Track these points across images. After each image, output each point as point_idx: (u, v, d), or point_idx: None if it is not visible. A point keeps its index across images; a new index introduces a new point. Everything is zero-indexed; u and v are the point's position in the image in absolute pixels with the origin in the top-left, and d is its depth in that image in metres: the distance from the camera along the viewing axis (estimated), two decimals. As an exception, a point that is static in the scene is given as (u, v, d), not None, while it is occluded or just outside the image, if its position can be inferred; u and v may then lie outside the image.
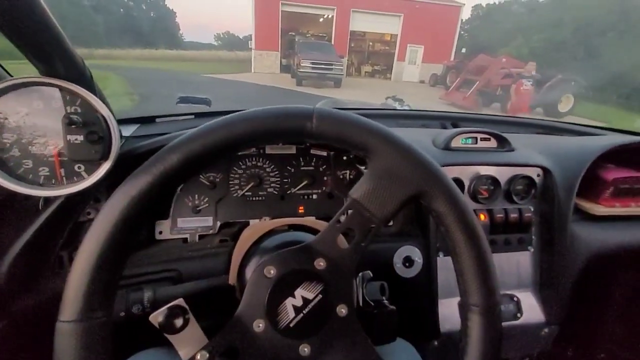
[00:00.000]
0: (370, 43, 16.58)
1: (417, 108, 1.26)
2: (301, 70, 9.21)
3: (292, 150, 0.64)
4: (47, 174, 0.41)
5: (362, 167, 0.67)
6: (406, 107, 2.68)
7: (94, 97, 0.39)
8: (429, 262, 0.58)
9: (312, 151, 0.65)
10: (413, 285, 0.57)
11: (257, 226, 0.45)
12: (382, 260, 0.56)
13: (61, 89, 0.39)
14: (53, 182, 0.41)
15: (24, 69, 0.40)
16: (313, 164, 0.65)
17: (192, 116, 0.74)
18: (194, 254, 0.53)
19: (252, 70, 13.55)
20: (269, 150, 0.62)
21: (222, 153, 0.28)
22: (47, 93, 0.39)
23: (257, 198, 0.62)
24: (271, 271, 0.31)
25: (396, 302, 0.42)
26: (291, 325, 0.30)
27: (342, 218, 0.31)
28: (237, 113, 0.28)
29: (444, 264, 0.59)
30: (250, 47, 13.95)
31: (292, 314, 0.30)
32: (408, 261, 0.57)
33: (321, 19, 15.94)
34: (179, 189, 0.58)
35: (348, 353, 0.31)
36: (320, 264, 0.31)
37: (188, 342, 0.30)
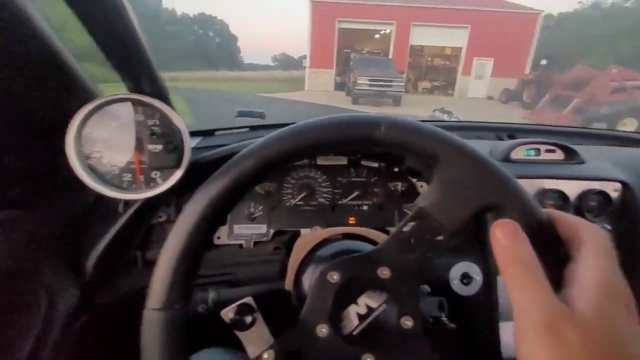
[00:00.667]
0: (429, 58, 16.61)
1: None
2: (358, 87, 9.35)
3: (344, 161, 0.69)
4: (130, 179, 0.49)
5: (414, 180, 0.70)
6: (454, 119, 2.55)
7: (172, 111, 0.47)
8: (489, 281, 0.57)
9: (363, 162, 0.69)
10: (471, 305, 0.56)
11: (312, 234, 0.49)
12: (438, 275, 0.56)
13: (145, 104, 0.48)
14: (134, 186, 0.49)
15: (109, 89, 0.50)
16: (364, 175, 0.69)
17: (247, 129, 0.83)
18: (249, 259, 0.59)
19: (305, 88, 14.30)
20: (320, 160, 0.67)
21: (292, 159, 0.31)
22: (135, 108, 0.48)
23: (308, 207, 0.68)
24: (334, 276, 0.32)
25: (454, 321, 0.42)
26: (354, 333, 0.32)
27: (406, 227, 0.32)
28: (304, 122, 0.31)
29: (503, 285, 0.57)
30: (304, 65, 14.81)
31: (355, 321, 0.32)
32: (466, 278, 0.56)
33: (377, 35, 16.36)
34: None
35: None
36: (384, 272, 0.32)
37: (255, 340, 0.33)
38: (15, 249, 0.45)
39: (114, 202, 0.55)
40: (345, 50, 15.23)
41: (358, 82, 9.28)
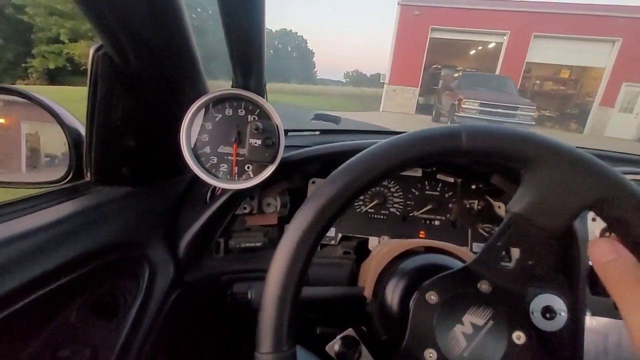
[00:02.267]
0: (537, 82, 15.71)
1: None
2: (463, 114, 8.85)
3: (418, 173, 0.81)
4: (225, 170, 0.66)
5: (492, 199, 0.78)
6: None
7: (272, 108, 0.62)
8: (576, 319, 0.60)
9: (439, 176, 0.80)
10: (554, 342, 0.60)
11: (393, 244, 0.57)
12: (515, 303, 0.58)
13: (249, 100, 0.63)
14: (228, 177, 0.64)
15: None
16: (438, 189, 0.80)
17: (318, 132, 1.00)
18: (319, 260, 0.72)
19: (381, 109, 14.41)
20: None
21: (383, 177, 0.37)
22: (237, 103, 0.64)
23: (378, 216, 0.80)
24: (432, 297, 0.37)
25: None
26: (465, 354, 0.36)
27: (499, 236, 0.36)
28: (388, 140, 0.37)
29: (589, 325, 0.60)
30: (382, 81, 14.90)
31: (463, 342, 0.36)
32: (549, 312, 0.59)
33: (473, 51, 15.91)
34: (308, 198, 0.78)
35: None
36: (483, 287, 0.37)
37: None
38: (128, 222, 0.63)
39: (202, 191, 0.71)
40: (435, 66, 15.19)
41: (464, 105, 8.84)
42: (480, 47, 15.12)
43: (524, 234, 0.34)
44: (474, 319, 0.37)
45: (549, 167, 0.33)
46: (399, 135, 0.36)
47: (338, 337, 0.42)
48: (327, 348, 0.41)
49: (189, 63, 0.58)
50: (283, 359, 0.34)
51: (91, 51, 0.53)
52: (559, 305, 0.59)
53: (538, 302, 0.60)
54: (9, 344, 0.47)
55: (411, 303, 0.40)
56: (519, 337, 0.36)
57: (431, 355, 0.36)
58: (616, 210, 0.32)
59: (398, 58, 14.27)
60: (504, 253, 0.37)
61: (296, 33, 66.64)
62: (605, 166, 0.33)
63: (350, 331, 0.42)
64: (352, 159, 0.37)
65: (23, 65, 18.04)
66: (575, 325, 0.59)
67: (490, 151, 0.35)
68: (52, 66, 17.82)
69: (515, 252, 0.36)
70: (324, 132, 1.02)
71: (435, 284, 0.38)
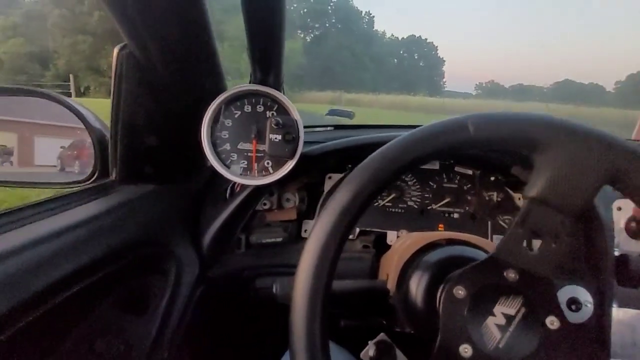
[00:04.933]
0: None
1: None
2: None
3: (436, 165, 0.80)
4: (245, 166, 0.67)
5: (511, 191, 0.78)
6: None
7: (291, 103, 0.63)
8: (602, 311, 0.58)
9: (457, 168, 0.80)
10: (580, 335, 0.57)
11: (416, 237, 0.57)
12: (544, 288, 0.60)
13: (268, 96, 0.64)
14: (248, 173, 0.65)
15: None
16: (457, 181, 0.80)
17: (332, 128, 1.00)
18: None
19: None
20: None
21: (395, 178, 0.37)
22: (255, 99, 0.65)
23: (396, 210, 0.80)
24: (460, 292, 0.37)
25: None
26: (500, 346, 0.35)
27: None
28: (397, 139, 0.36)
29: (617, 317, 0.60)
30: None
31: (497, 334, 0.36)
32: (574, 303, 0.57)
33: None
34: (326, 192, 0.80)
35: None
36: (510, 275, 0.36)
37: None
38: (154, 220, 0.64)
39: (222, 188, 0.72)
40: None
41: None
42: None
43: (544, 218, 0.34)
44: (505, 309, 0.36)
45: (561, 146, 0.32)
46: (410, 132, 0.36)
47: (371, 342, 0.41)
48: (361, 355, 0.41)
49: (210, 60, 0.58)
50: None
51: (115, 50, 0.53)
52: (585, 296, 0.57)
53: (563, 294, 0.58)
54: (49, 338, 0.48)
55: (439, 299, 0.39)
56: (552, 322, 0.36)
57: (466, 350, 0.35)
58: (635, 180, 0.31)
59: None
60: (525, 243, 0.36)
61: (425, 40, 62.02)
62: (619, 138, 0.33)
63: (382, 336, 0.42)
64: (366, 160, 0.36)
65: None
66: (601, 317, 0.57)
67: (500, 138, 0.34)
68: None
69: (537, 242, 0.36)
70: (337, 127, 1.02)
71: (461, 278, 0.38)
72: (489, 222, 0.78)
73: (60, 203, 0.58)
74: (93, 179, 0.63)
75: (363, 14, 61.32)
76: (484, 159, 0.76)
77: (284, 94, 0.65)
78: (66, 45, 29.10)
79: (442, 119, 0.36)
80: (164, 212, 0.66)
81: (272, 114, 0.65)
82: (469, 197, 0.79)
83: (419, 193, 0.80)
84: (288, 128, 0.62)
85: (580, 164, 0.32)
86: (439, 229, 0.77)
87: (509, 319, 0.36)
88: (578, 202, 0.33)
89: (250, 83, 0.64)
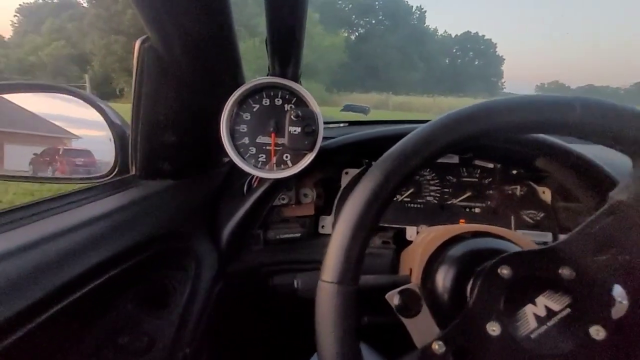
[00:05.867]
0: None
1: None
2: None
3: (455, 159, 0.78)
4: (264, 160, 0.66)
5: (535, 185, 0.76)
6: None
7: (310, 95, 0.61)
8: (636, 306, 0.53)
9: (476, 162, 0.78)
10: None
11: (440, 230, 0.55)
12: (599, 295, 0.56)
13: (287, 88, 0.62)
14: (267, 167, 0.64)
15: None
16: (477, 175, 0.78)
17: (347, 124, 1.00)
18: None
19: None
20: None
21: (476, 141, 0.36)
22: (274, 92, 0.64)
23: (415, 205, 0.78)
24: (504, 271, 0.35)
25: None
26: (532, 336, 0.34)
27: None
28: (494, 100, 0.36)
29: None
30: None
31: (533, 323, 0.34)
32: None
33: None
34: (343, 187, 0.79)
35: None
36: (565, 272, 0.34)
37: (422, 329, 0.38)
38: (173, 214, 0.64)
39: (240, 183, 0.72)
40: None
41: None
42: None
43: (627, 225, 0.32)
44: (549, 302, 0.34)
45: None
46: (509, 97, 0.35)
47: (397, 290, 0.40)
48: (387, 297, 0.40)
49: (231, 53, 0.58)
50: (345, 293, 0.35)
51: (137, 44, 0.53)
52: (619, 293, 0.56)
53: None
54: (72, 331, 0.48)
55: (469, 292, 0.38)
56: (598, 331, 0.33)
57: (494, 329, 0.34)
58: None
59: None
60: (593, 245, 0.34)
61: (483, 36, 56.77)
62: None
63: (413, 285, 0.40)
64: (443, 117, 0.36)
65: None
66: (637, 313, 0.55)
67: (605, 129, 0.32)
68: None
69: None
70: (352, 123, 1.01)
71: (510, 258, 0.36)
72: (512, 217, 0.76)
73: (81, 197, 0.59)
74: (113, 174, 0.64)
75: (414, 9, 56.81)
76: (504, 151, 0.74)
77: (301, 84, 0.64)
78: (101, 46, 29.17)
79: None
80: (183, 207, 0.66)
81: (291, 106, 0.64)
82: (490, 192, 0.77)
83: (438, 188, 0.78)
84: (307, 120, 0.61)
85: None
86: (460, 224, 0.75)
87: (551, 313, 0.34)
88: None
89: (268, 75, 0.63)
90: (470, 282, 0.42)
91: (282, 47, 0.55)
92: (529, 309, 0.34)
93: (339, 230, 0.36)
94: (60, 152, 0.67)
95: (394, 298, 0.40)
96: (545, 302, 0.34)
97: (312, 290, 0.38)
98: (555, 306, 0.34)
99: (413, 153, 0.36)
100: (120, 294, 0.55)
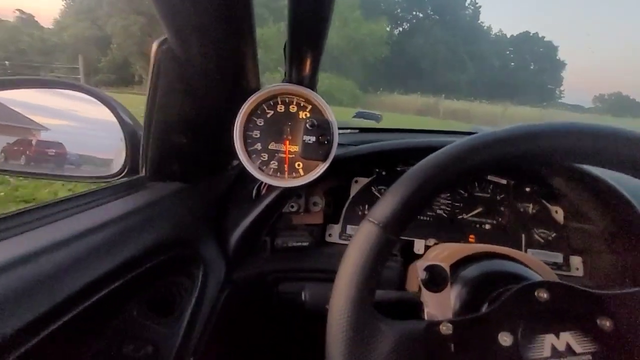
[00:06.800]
0: None
1: None
2: None
3: None
4: (275, 167, 0.64)
5: (548, 203, 0.74)
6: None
7: (325, 104, 0.59)
8: None
9: (490, 177, 0.76)
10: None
11: (453, 248, 0.55)
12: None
13: (302, 96, 0.60)
14: (278, 175, 0.63)
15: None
16: (489, 191, 0.76)
17: (357, 130, 0.98)
18: None
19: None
20: None
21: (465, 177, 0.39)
22: (289, 99, 0.62)
23: (424, 218, 0.77)
24: (543, 294, 0.35)
25: None
26: None
27: None
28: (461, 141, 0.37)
29: None
30: None
31: (547, 352, 0.33)
32: None
33: None
34: (352, 196, 0.78)
35: None
36: (604, 323, 0.33)
37: (438, 306, 0.39)
38: (182, 220, 0.62)
39: (248, 188, 0.70)
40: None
41: None
42: None
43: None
44: (573, 342, 0.33)
45: None
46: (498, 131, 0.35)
47: (426, 264, 0.41)
48: (416, 265, 0.41)
49: (250, 59, 0.56)
50: (385, 240, 0.36)
51: (155, 45, 0.52)
52: None
53: None
54: (80, 340, 0.47)
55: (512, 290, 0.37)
56: (605, 323, 0.33)
57: (506, 339, 0.34)
58: None
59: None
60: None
61: (542, 37, 49.77)
62: None
63: (445, 265, 0.40)
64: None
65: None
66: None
67: (592, 152, 0.33)
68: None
69: None
70: (363, 130, 0.99)
71: (552, 286, 0.35)
72: (523, 235, 0.74)
73: (91, 199, 0.58)
74: (123, 174, 0.63)
75: (467, 4, 51.29)
76: (519, 169, 0.73)
77: (317, 92, 0.63)
78: (120, 27, 27.66)
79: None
80: (192, 211, 0.65)
81: (306, 114, 0.63)
82: (502, 208, 0.76)
83: (449, 201, 0.77)
84: (323, 130, 0.60)
85: None
86: (470, 239, 0.74)
87: (570, 352, 0.33)
88: None
89: (283, 82, 0.61)
90: (485, 306, 0.41)
91: (301, 55, 0.54)
92: (549, 338, 0.34)
93: (407, 176, 0.36)
94: (34, 143, 0.67)
95: (421, 271, 0.40)
96: (569, 340, 0.33)
97: (319, 304, 0.37)
98: (578, 348, 0.33)
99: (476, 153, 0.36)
100: (127, 302, 0.54)
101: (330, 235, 0.77)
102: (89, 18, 30.34)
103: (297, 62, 0.56)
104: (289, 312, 0.78)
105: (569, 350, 0.33)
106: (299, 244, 0.72)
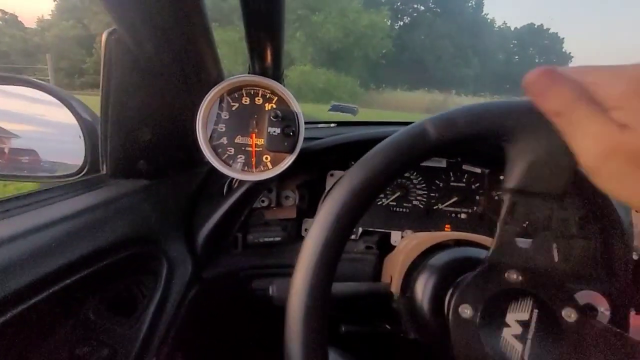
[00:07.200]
0: None
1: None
2: None
3: (443, 163, 0.76)
4: (243, 161, 0.63)
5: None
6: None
7: (291, 95, 0.58)
8: (618, 316, 0.56)
9: (464, 167, 0.76)
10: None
11: (422, 237, 0.54)
12: (551, 280, 0.56)
13: (267, 87, 0.59)
14: (246, 168, 0.61)
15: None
16: (464, 180, 0.76)
17: (335, 124, 0.96)
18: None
19: None
20: None
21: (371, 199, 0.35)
22: (254, 91, 0.60)
23: (401, 209, 0.77)
24: (466, 310, 0.34)
25: None
26: (525, 357, 0.33)
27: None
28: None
29: (634, 324, 0.57)
30: None
31: (518, 345, 0.33)
32: (590, 309, 0.56)
33: None
34: (327, 190, 0.76)
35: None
36: (512, 277, 0.34)
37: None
38: (145, 217, 0.60)
39: (219, 184, 0.68)
40: None
41: None
42: None
43: (530, 207, 0.32)
44: (517, 315, 0.33)
45: (533, 129, 0.30)
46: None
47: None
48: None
49: (206, 47, 0.54)
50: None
51: (104, 36, 0.50)
52: (601, 302, 0.56)
53: (579, 299, 0.55)
54: (25, 341, 0.45)
55: (447, 305, 0.37)
56: (569, 315, 0.33)
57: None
58: None
59: None
60: (517, 240, 0.34)
61: (548, 30, 48.03)
62: None
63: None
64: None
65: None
66: (618, 323, 0.56)
67: (464, 136, 0.32)
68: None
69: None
70: (340, 124, 0.98)
71: (463, 295, 0.35)
72: (498, 223, 0.72)
73: (46, 196, 0.55)
74: (82, 173, 0.60)
75: None
76: (494, 157, 0.72)
77: (284, 85, 0.61)
78: (105, 25, 28.05)
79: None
80: (156, 208, 0.62)
81: (272, 106, 0.61)
82: (478, 197, 0.76)
83: (425, 192, 0.76)
84: (287, 121, 0.59)
85: (556, 144, 0.29)
86: (446, 229, 0.74)
87: (525, 325, 0.33)
88: (561, 184, 0.31)
89: (248, 74, 0.60)
90: (450, 292, 0.41)
91: (260, 45, 0.52)
92: (506, 333, 0.33)
93: (292, 321, 0.34)
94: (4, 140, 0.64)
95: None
96: (514, 318, 0.33)
97: (287, 297, 0.36)
98: (524, 316, 0.33)
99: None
100: (83, 301, 0.52)
101: (306, 230, 0.76)
102: (73, 17, 29.65)
103: (258, 53, 0.55)
104: (261, 309, 0.77)
105: (524, 324, 0.33)
106: (271, 239, 0.71)
